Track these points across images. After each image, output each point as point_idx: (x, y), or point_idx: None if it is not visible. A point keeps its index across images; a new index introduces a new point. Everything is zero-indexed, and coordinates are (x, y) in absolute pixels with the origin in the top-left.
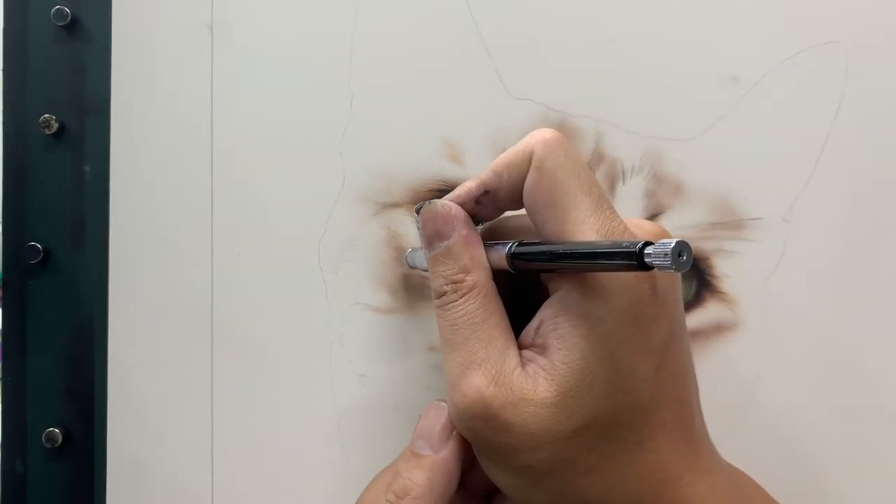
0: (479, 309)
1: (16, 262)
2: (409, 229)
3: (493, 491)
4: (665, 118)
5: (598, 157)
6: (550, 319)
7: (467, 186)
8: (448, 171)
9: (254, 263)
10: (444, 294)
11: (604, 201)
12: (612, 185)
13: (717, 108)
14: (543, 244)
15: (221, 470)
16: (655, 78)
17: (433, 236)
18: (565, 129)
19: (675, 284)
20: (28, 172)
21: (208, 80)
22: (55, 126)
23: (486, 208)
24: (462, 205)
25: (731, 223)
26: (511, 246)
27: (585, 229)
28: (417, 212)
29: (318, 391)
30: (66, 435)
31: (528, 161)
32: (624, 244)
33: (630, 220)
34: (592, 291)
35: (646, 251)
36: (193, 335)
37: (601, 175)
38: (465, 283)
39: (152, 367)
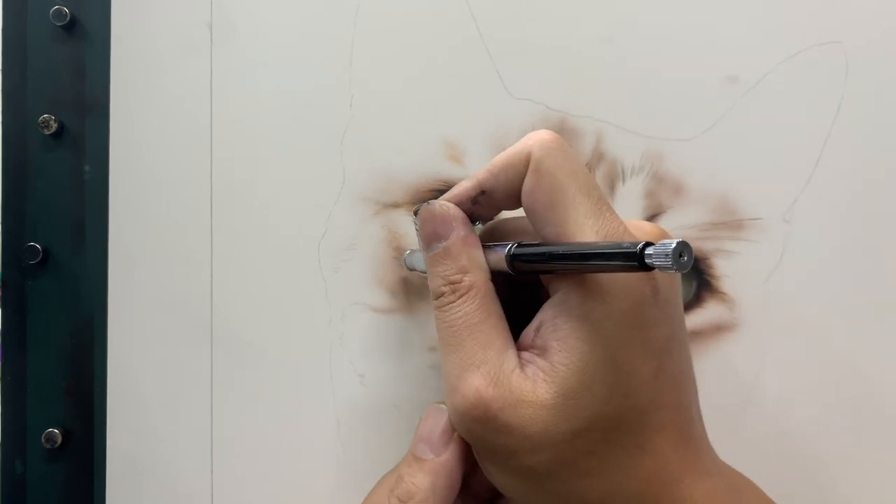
0: (477, 310)
1: (16, 262)
2: (409, 229)
3: (496, 494)
4: (665, 118)
5: (598, 157)
6: (550, 321)
7: (464, 186)
8: (448, 171)
9: (254, 263)
10: (441, 295)
11: (603, 203)
12: (612, 185)
13: (718, 108)
14: (543, 245)
15: (221, 470)
16: (655, 78)
17: (431, 237)
18: (565, 129)
19: (675, 287)
20: (28, 173)
21: (208, 80)
22: (55, 126)
23: (483, 208)
24: (459, 204)
25: (731, 223)
26: (510, 247)
27: (586, 230)
28: (415, 213)
29: (318, 391)
30: (65, 435)
31: (525, 162)
32: (624, 245)
33: (630, 221)
34: (592, 293)
35: (646, 252)
36: (193, 335)
37: (601, 175)
38: (462, 284)
39: (152, 367)
